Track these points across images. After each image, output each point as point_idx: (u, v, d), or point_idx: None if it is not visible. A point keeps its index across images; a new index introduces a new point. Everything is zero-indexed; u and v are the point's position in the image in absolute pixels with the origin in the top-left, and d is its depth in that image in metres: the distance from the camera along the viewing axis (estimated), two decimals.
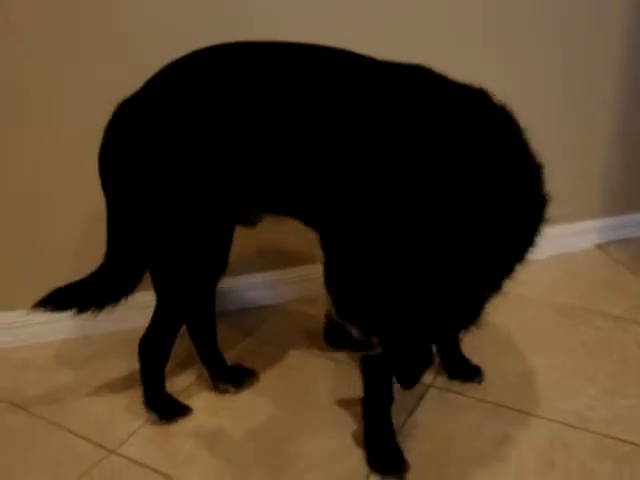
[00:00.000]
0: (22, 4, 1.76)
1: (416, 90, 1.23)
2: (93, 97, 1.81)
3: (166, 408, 1.70)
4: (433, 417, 1.61)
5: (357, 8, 2.00)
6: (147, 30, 1.84)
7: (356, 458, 1.53)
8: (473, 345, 1.88)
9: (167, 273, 1.53)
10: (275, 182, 1.37)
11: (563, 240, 2.46)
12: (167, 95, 1.39)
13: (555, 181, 2.36)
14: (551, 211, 2.40)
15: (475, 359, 1.83)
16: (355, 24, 2.00)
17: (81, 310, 1.61)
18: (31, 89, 1.85)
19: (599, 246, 2.54)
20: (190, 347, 1.81)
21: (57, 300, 1.59)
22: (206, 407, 1.74)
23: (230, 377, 1.80)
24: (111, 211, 1.53)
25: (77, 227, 1.99)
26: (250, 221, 1.62)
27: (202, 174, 1.39)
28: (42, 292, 1.81)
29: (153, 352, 1.64)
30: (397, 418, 1.54)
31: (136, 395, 1.73)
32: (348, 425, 1.63)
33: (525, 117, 2.27)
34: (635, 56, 2.36)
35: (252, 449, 1.59)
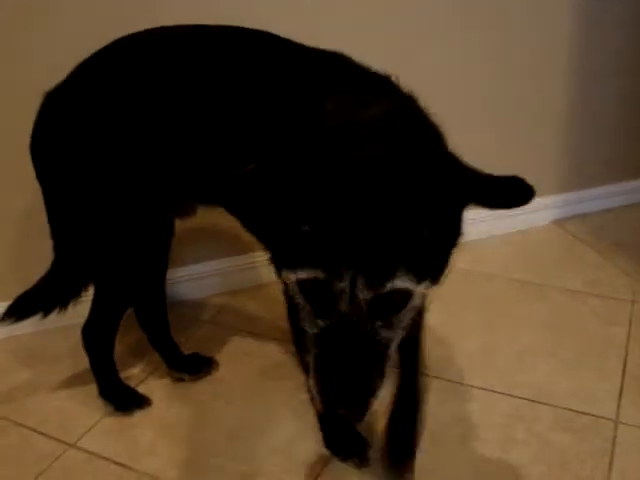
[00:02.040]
0: None
1: (325, 75, 1.25)
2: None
3: (122, 399, 1.68)
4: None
5: None
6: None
7: (316, 442, 1.53)
8: (430, 323, 1.89)
9: (101, 263, 1.52)
10: (197, 169, 1.37)
11: (519, 217, 2.48)
12: (92, 83, 1.38)
13: (510, 158, 2.41)
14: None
15: (434, 337, 1.83)
16: None
17: (46, 313, 1.62)
18: None
19: (555, 222, 2.56)
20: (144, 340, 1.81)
21: (20, 310, 1.61)
22: (166, 397, 1.73)
23: (186, 366, 1.79)
24: (47, 203, 1.51)
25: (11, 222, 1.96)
26: (184, 211, 1.60)
27: (126, 163, 1.38)
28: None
29: (96, 341, 1.62)
30: None
31: (95, 389, 1.70)
32: (308, 409, 1.63)
33: (479, 94, 2.31)
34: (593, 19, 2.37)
35: (213, 437, 1.58)
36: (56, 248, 1.56)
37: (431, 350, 1.79)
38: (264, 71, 1.29)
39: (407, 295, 0.98)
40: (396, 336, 1.02)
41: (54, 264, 1.58)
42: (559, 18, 2.33)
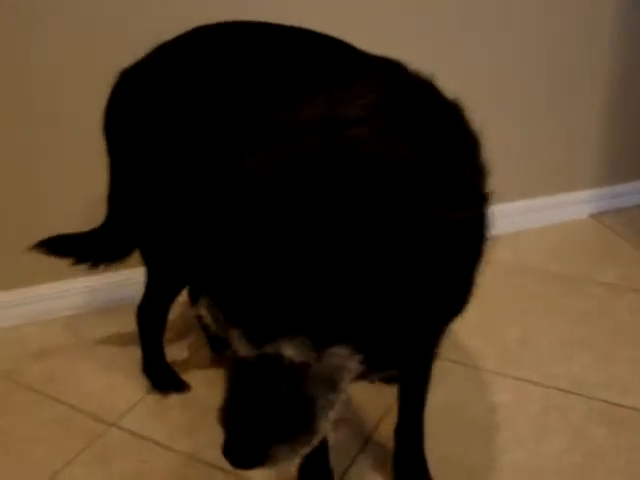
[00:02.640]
0: None
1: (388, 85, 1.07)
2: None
3: (162, 379, 1.72)
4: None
5: None
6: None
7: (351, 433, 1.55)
8: (469, 316, 1.89)
9: (154, 240, 1.54)
10: None
11: (557, 210, 2.49)
12: (164, 66, 1.39)
13: (549, 152, 2.41)
14: (545, 181, 2.46)
15: (470, 327, 1.85)
16: None
17: (78, 261, 1.64)
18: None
19: (592, 215, 2.56)
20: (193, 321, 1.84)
21: (55, 245, 1.61)
22: (207, 381, 1.76)
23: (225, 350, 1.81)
24: (111, 173, 1.54)
25: (77, 204, 1.99)
26: None
27: (187, 147, 1.37)
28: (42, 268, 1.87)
29: (148, 319, 1.66)
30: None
31: (137, 370, 1.75)
32: None
33: (515, 89, 2.31)
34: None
35: None
36: (108, 215, 1.62)
37: (467, 340, 1.82)
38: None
39: (302, 366, 0.81)
40: (313, 404, 0.85)
41: (101, 227, 1.63)
42: (596, 13, 2.32)
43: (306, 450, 0.88)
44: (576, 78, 2.39)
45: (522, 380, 1.68)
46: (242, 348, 0.82)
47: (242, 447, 0.85)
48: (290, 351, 0.79)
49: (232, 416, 0.87)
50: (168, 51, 1.40)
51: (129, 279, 1.99)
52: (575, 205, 2.54)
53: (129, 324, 1.79)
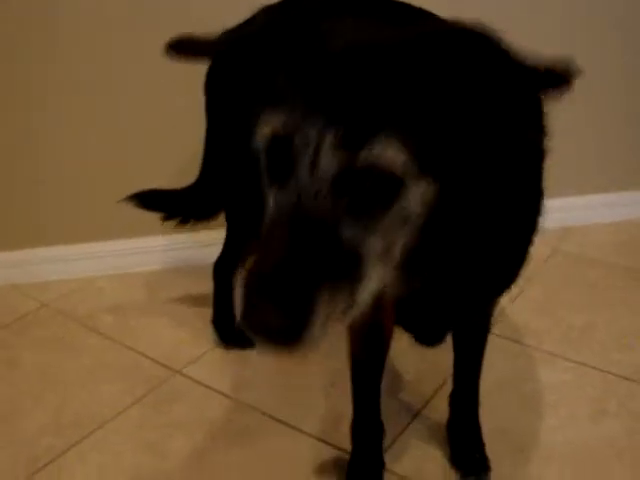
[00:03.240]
0: None
1: None
2: None
3: (229, 333, 1.79)
4: (485, 361, 1.62)
5: None
6: None
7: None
8: (531, 295, 1.91)
9: (234, 199, 1.61)
10: None
11: (628, 207, 2.46)
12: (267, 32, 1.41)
13: (623, 149, 2.38)
14: (618, 177, 2.43)
15: (534, 309, 1.86)
16: None
17: (168, 216, 1.71)
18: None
19: None
20: None
21: (148, 199, 1.68)
22: None
23: None
24: (207, 132, 1.58)
25: (169, 162, 2.08)
26: None
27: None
28: (124, 224, 2.01)
29: (223, 273, 1.73)
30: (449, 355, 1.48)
31: (205, 326, 1.83)
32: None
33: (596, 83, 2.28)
34: None
35: (312, 382, 1.66)
36: (201, 173, 1.67)
37: (529, 321, 1.83)
38: None
39: (392, 184, 0.72)
40: (372, 253, 0.73)
41: (194, 185, 1.69)
42: None
43: (347, 318, 0.74)
44: (634, 80, 2.36)
45: (582, 364, 1.68)
46: (325, 156, 0.70)
47: (276, 298, 0.68)
48: (393, 157, 0.70)
49: (266, 259, 0.71)
50: (270, 14, 1.40)
51: (204, 241, 2.08)
52: (626, 206, 2.50)
53: (201, 284, 1.88)
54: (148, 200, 1.69)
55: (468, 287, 1.02)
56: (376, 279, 0.76)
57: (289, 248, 0.70)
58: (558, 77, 0.72)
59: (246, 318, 0.69)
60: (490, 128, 0.77)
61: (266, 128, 0.77)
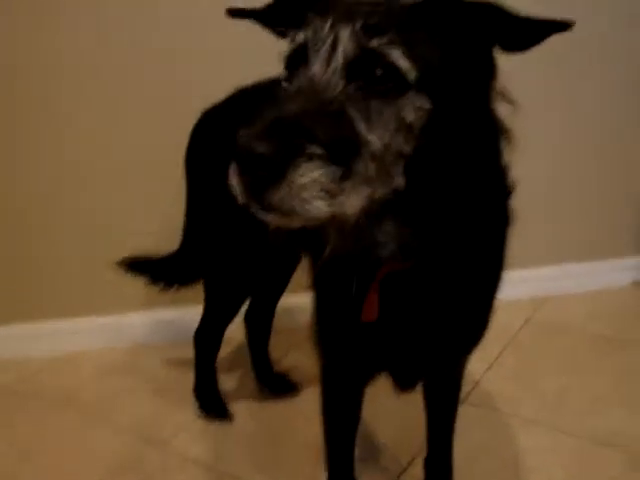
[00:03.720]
0: None
1: None
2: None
3: (210, 404, 1.82)
4: (462, 430, 1.63)
5: None
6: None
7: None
8: (508, 365, 1.96)
9: (213, 272, 1.68)
10: None
11: (601, 276, 2.53)
12: (238, 110, 1.50)
13: (595, 219, 2.47)
14: (591, 247, 2.51)
15: (509, 376, 1.90)
16: None
17: (153, 281, 1.77)
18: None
19: (635, 283, 2.59)
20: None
21: (135, 264, 1.76)
22: (249, 410, 1.85)
23: (271, 383, 1.93)
24: (187, 202, 1.67)
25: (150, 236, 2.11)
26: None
27: None
28: (106, 300, 2.03)
29: (205, 342, 1.78)
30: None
31: (185, 398, 1.85)
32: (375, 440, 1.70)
33: (561, 156, 2.37)
34: None
35: (290, 450, 1.67)
36: (183, 241, 1.74)
37: (504, 388, 1.87)
38: None
39: (397, 81, 0.81)
40: (368, 144, 0.79)
41: (176, 252, 1.76)
42: None
43: (335, 201, 0.76)
44: (619, 144, 2.47)
45: (557, 429, 1.71)
46: (341, 44, 0.80)
47: (262, 139, 0.73)
48: (399, 59, 0.80)
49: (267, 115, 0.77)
50: (244, 96, 1.53)
51: (184, 314, 2.11)
52: (619, 271, 2.57)
53: (183, 357, 1.90)
54: (136, 265, 1.76)
55: (440, 334, 1.07)
56: (367, 173, 0.80)
57: (294, 109, 0.76)
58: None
59: (239, 150, 0.75)
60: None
61: (289, 44, 0.85)
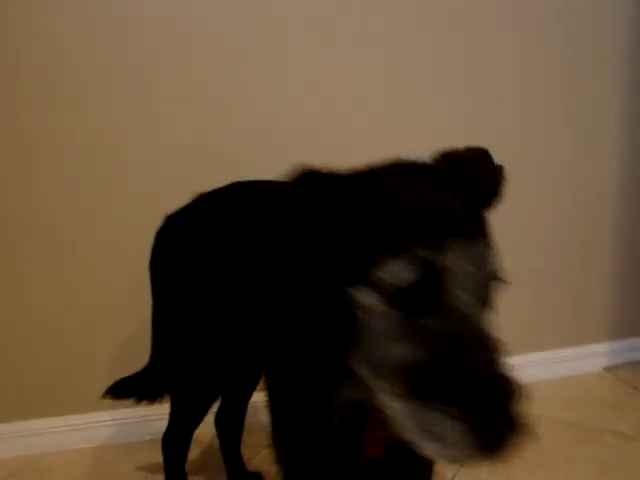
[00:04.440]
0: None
1: None
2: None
3: None
4: None
5: None
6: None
7: None
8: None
9: (176, 379, 1.66)
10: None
11: (573, 362, 2.55)
12: (199, 217, 1.52)
13: (565, 306, 2.50)
14: (561, 334, 2.53)
15: (488, 473, 1.89)
16: None
17: (139, 399, 1.76)
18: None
19: (608, 368, 2.61)
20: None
21: (117, 391, 1.75)
22: None
23: None
24: (153, 311, 1.66)
25: (112, 341, 2.11)
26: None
27: (209, 300, 1.46)
28: (72, 400, 2.01)
29: (172, 446, 1.74)
30: None
31: None
32: None
33: (532, 240, 2.42)
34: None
35: None
36: (152, 351, 1.73)
37: None
38: None
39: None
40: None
41: (148, 364, 1.74)
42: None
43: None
44: (587, 231, 2.54)
45: None
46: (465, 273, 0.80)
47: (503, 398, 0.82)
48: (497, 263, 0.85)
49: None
50: (205, 202, 1.54)
51: (151, 415, 2.11)
52: (590, 358, 2.60)
53: (152, 458, 1.86)
54: (119, 390, 1.75)
55: None
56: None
57: (481, 356, 0.78)
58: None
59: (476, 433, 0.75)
60: None
61: (390, 269, 0.79)
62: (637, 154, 2.51)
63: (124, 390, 1.76)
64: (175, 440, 1.73)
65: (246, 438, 1.94)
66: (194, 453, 1.82)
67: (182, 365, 1.60)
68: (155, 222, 1.57)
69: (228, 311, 1.41)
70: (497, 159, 1.01)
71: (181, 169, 2.05)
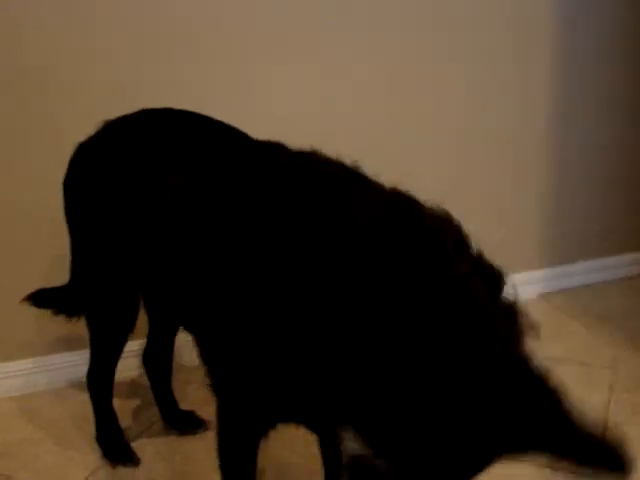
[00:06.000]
0: None
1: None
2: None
3: (115, 449, 1.75)
4: None
5: None
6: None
7: None
8: None
9: (91, 302, 1.67)
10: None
11: (506, 289, 2.56)
12: (109, 144, 1.52)
13: (498, 234, 2.50)
14: (495, 262, 2.54)
15: None
16: None
17: (58, 311, 1.76)
18: None
19: (542, 295, 2.65)
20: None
21: (38, 299, 1.76)
22: (156, 452, 1.79)
23: (178, 422, 1.88)
24: (69, 236, 1.65)
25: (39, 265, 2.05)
26: None
27: (116, 225, 1.48)
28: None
29: (97, 383, 1.73)
30: None
31: (87, 448, 1.78)
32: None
33: (464, 169, 2.42)
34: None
35: None
36: (71, 272, 1.72)
37: None
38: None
39: None
40: None
41: (68, 283, 1.74)
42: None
43: None
44: (522, 159, 2.54)
45: None
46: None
47: None
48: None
49: None
50: (115, 129, 1.53)
51: (74, 360, 2.07)
52: (525, 285, 2.62)
53: (83, 403, 1.83)
54: (40, 299, 1.76)
55: None
56: None
57: None
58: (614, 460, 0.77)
59: None
60: None
61: None
62: None
63: (44, 299, 1.76)
64: (98, 376, 1.72)
65: (177, 377, 1.92)
66: (127, 395, 1.79)
67: (95, 290, 1.62)
68: None
69: (133, 240, 1.42)
70: None
71: None
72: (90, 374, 1.72)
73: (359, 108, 2.26)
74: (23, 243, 2.03)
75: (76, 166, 1.58)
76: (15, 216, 2.00)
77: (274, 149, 1.24)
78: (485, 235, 2.39)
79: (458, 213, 1.01)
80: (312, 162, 1.12)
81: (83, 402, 1.82)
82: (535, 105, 2.51)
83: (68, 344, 2.09)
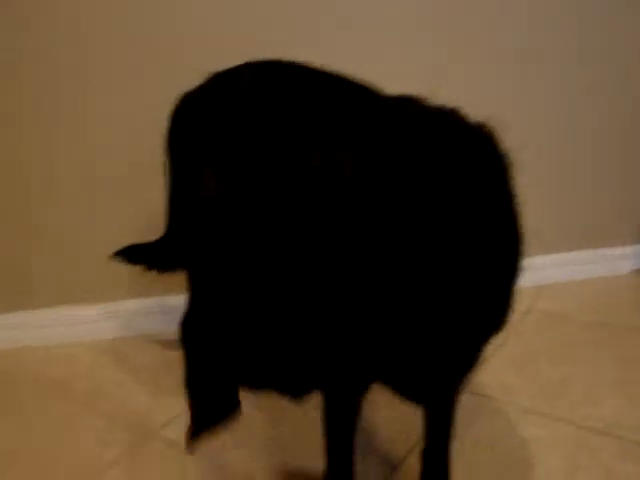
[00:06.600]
0: None
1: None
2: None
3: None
4: (462, 419, 1.62)
5: None
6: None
7: None
8: (504, 353, 1.94)
9: (192, 255, 1.64)
10: None
11: (600, 264, 2.51)
12: (215, 95, 1.50)
13: (595, 208, 2.45)
14: (590, 236, 2.49)
15: (506, 365, 1.90)
16: None
17: (149, 267, 1.79)
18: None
19: (635, 271, 2.57)
20: None
21: (129, 254, 1.79)
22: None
23: None
24: (169, 187, 1.65)
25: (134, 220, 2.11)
26: None
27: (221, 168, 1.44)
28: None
29: (191, 332, 1.73)
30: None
31: (173, 390, 1.81)
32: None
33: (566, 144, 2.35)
34: None
35: (285, 431, 1.66)
36: (167, 225, 1.72)
37: (505, 378, 1.85)
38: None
39: None
40: None
41: (162, 237, 1.76)
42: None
43: None
44: (624, 138, 2.45)
45: (555, 418, 1.69)
46: None
47: None
48: None
49: None
50: (221, 81, 1.52)
51: (170, 305, 2.11)
52: (618, 260, 2.55)
53: (171, 347, 1.89)
54: (131, 255, 1.78)
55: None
56: None
57: None
58: None
59: None
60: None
61: None
62: None
63: (135, 255, 1.79)
64: (194, 325, 1.73)
65: None
66: None
67: (197, 245, 1.60)
68: None
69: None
70: None
71: None
72: (187, 322, 1.73)
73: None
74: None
75: (181, 116, 1.57)
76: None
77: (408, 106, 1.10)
78: (583, 208, 2.37)
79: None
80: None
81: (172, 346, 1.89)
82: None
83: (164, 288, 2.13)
